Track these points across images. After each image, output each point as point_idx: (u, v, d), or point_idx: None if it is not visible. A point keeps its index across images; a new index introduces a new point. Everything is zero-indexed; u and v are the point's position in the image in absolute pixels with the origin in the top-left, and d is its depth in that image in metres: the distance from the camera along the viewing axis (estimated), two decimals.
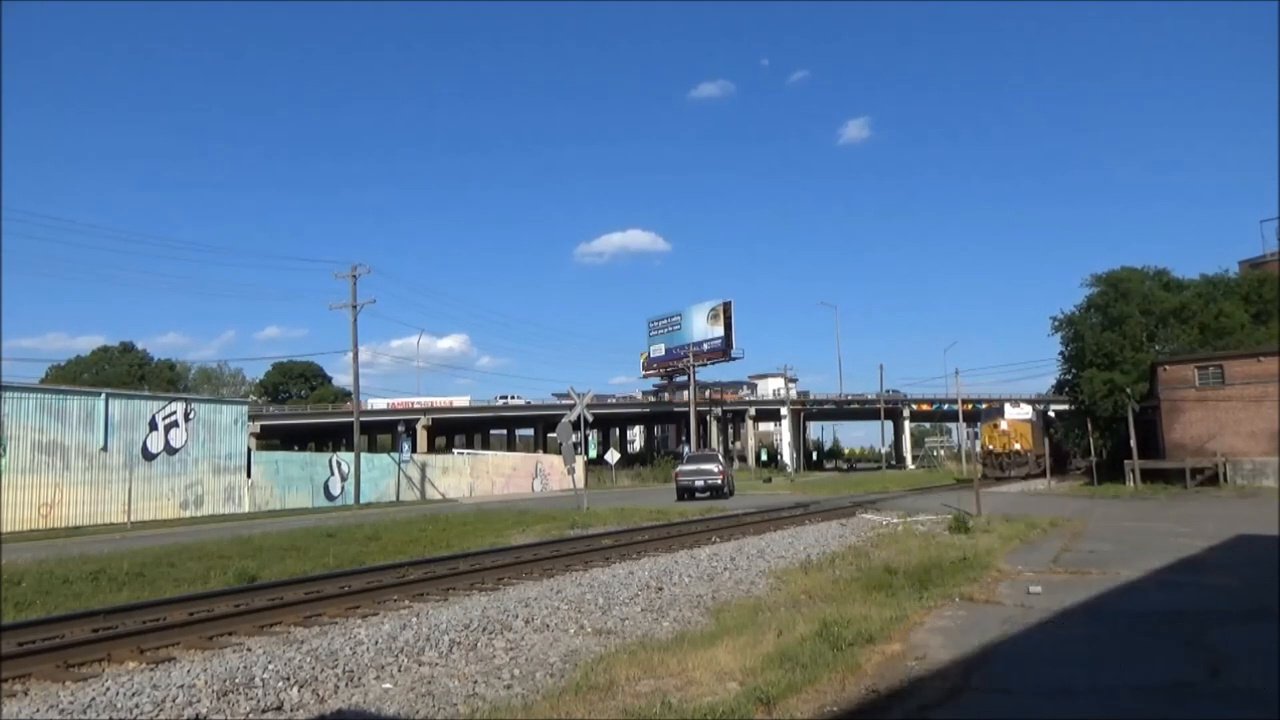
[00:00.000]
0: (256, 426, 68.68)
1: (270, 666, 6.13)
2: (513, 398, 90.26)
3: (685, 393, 78.34)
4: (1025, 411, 52.27)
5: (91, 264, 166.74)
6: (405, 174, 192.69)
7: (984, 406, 66.23)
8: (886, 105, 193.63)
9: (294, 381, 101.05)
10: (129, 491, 27.61)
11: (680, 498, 31.13)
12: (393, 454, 47.75)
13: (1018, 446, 47.10)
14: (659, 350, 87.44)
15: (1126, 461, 36.27)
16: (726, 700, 4.83)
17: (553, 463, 55.79)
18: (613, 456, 46.33)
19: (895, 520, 17.69)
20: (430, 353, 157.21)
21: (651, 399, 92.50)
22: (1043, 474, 45.53)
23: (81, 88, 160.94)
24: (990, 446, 49.08)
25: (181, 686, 5.65)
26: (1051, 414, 62.06)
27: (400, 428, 75.60)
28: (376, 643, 6.90)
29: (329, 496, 37.77)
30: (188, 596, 9.60)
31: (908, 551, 11.92)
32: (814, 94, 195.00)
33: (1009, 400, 56.98)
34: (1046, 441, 53.21)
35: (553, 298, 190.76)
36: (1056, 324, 47.43)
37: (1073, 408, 49.22)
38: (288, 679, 5.89)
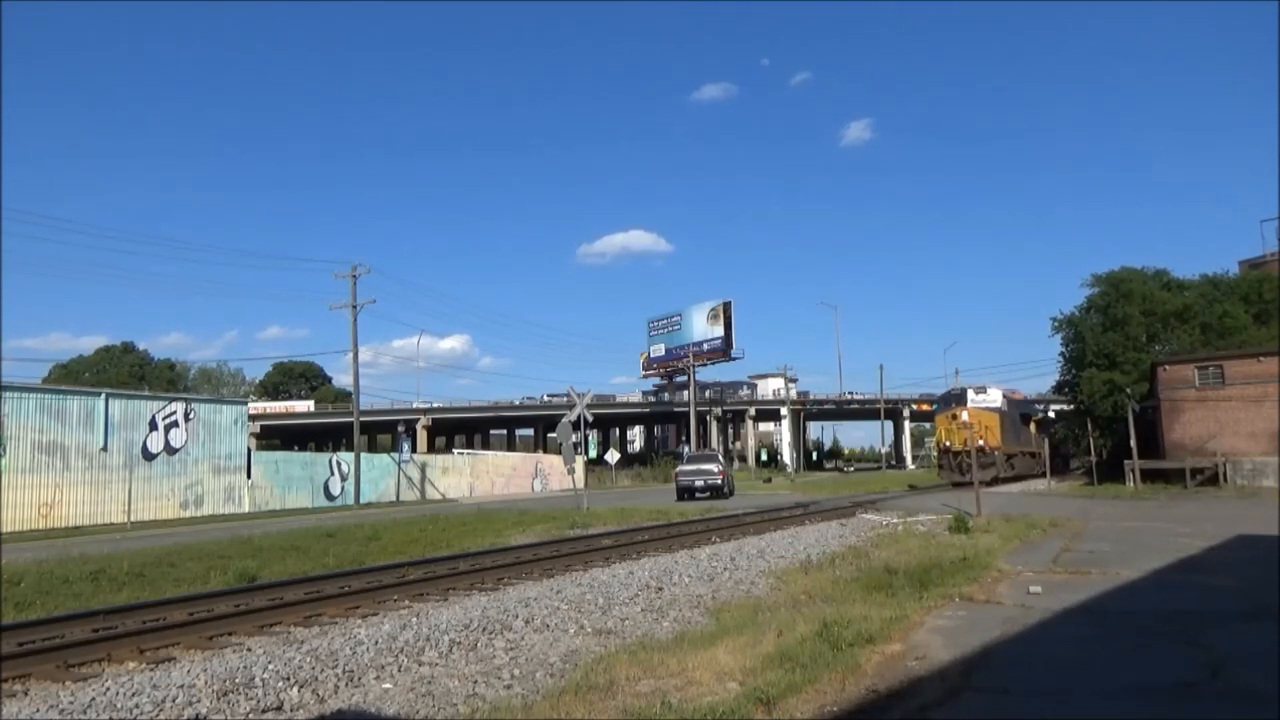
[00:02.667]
0: (256, 426, 68.67)
1: (270, 666, 6.13)
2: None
3: (685, 393, 78.34)
4: (993, 398, 41.39)
5: (94, 264, 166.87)
6: (410, 175, 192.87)
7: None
8: (889, 107, 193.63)
9: (294, 382, 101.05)
10: (129, 491, 27.61)
11: (680, 498, 31.13)
12: (393, 454, 47.74)
13: (982, 443, 37.00)
14: (659, 350, 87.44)
15: (1126, 461, 36.28)
16: (726, 700, 4.83)
17: (553, 463, 55.80)
18: (613, 456, 46.28)
19: (895, 520, 17.68)
20: (432, 353, 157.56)
21: (651, 399, 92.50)
22: (1014, 478, 39.50)
23: (82, 88, 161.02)
24: (947, 443, 39.25)
25: (181, 686, 5.65)
26: (1051, 414, 61.43)
27: (400, 428, 75.53)
28: (376, 643, 6.89)
29: (329, 496, 37.78)
30: (188, 596, 9.60)
31: (908, 551, 11.92)
32: (816, 96, 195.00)
33: (973, 387, 42.38)
34: (1045, 441, 47.85)
35: (554, 298, 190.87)
36: (1057, 324, 47.45)
37: (1073, 408, 49.13)
38: (288, 679, 5.89)
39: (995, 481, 36.50)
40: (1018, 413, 46.29)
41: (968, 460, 36.10)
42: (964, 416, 38.30)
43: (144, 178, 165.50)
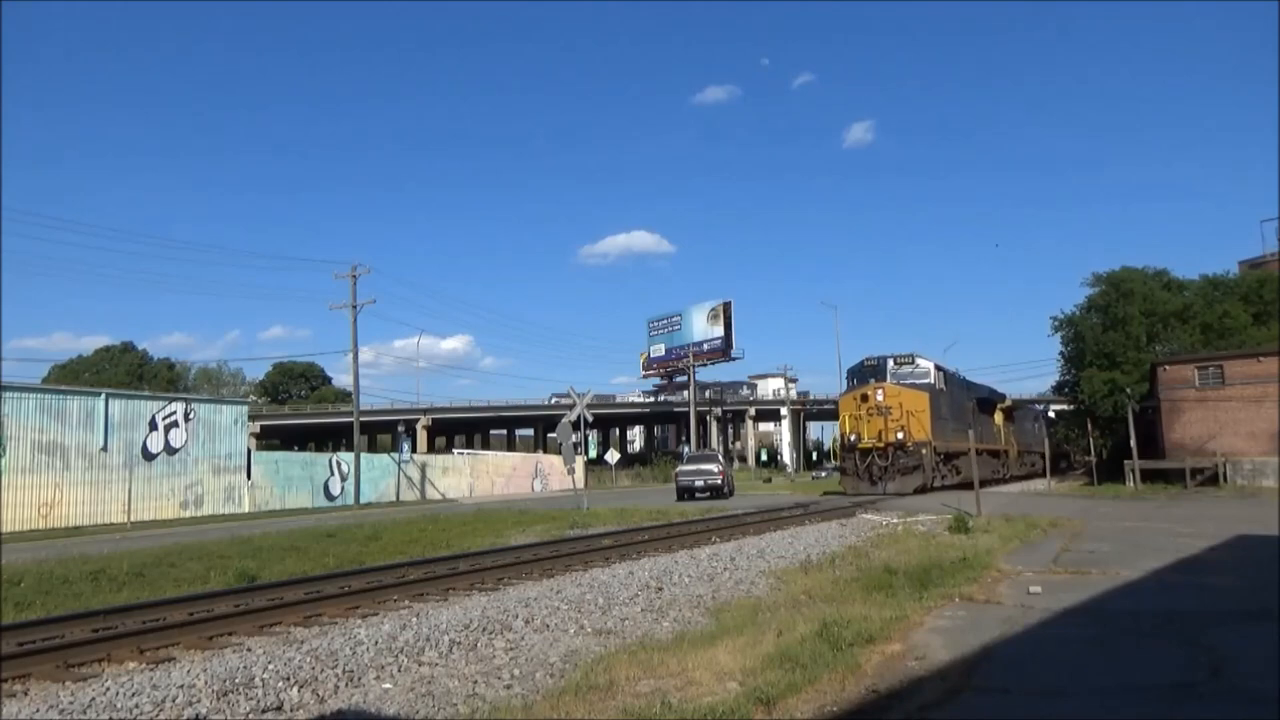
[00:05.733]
0: (256, 426, 68.69)
1: (270, 666, 6.13)
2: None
3: (685, 393, 78.35)
4: (922, 370, 28.63)
5: (96, 265, 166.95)
6: (414, 175, 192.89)
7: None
8: (891, 108, 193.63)
9: (294, 382, 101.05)
10: (129, 491, 27.62)
11: (680, 498, 31.13)
12: (393, 454, 47.77)
13: (901, 436, 26.07)
14: (659, 350, 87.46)
15: (1126, 461, 36.31)
16: (726, 700, 4.83)
17: (553, 463, 55.81)
18: (613, 456, 46.33)
19: (895, 520, 17.68)
20: (433, 353, 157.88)
21: (651, 399, 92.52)
22: (959, 486, 28.05)
23: (83, 88, 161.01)
24: (852, 436, 27.28)
25: (181, 686, 5.65)
26: (1052, 413, 61.22)
27: (400, 428, 75.58)
28: (376, 643, 6.89)
29: (329, 496, 37.79)
30: (188, 596, 9.60)
31: (908, 551, 11.91)
32: (819, 98, 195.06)
33: (895, 356, 28.96)
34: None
35: (556, 298, 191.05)
36: (1057, 324, 47.57)
37: (1073, 408, 49.08)
38: (288, 679, 5.89)
39: (922, 491, 26.09)
40: (970, 397, 34.24)
41: (881, 462, 26.16)
42: (879, 397, 26.85)
43: (146, 178, 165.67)
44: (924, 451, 26.37)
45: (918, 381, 28.10)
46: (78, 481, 27.06)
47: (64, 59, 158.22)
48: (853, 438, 27.16)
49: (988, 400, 37.10)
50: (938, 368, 29.53)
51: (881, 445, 26.35)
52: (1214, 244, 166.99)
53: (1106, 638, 6.41)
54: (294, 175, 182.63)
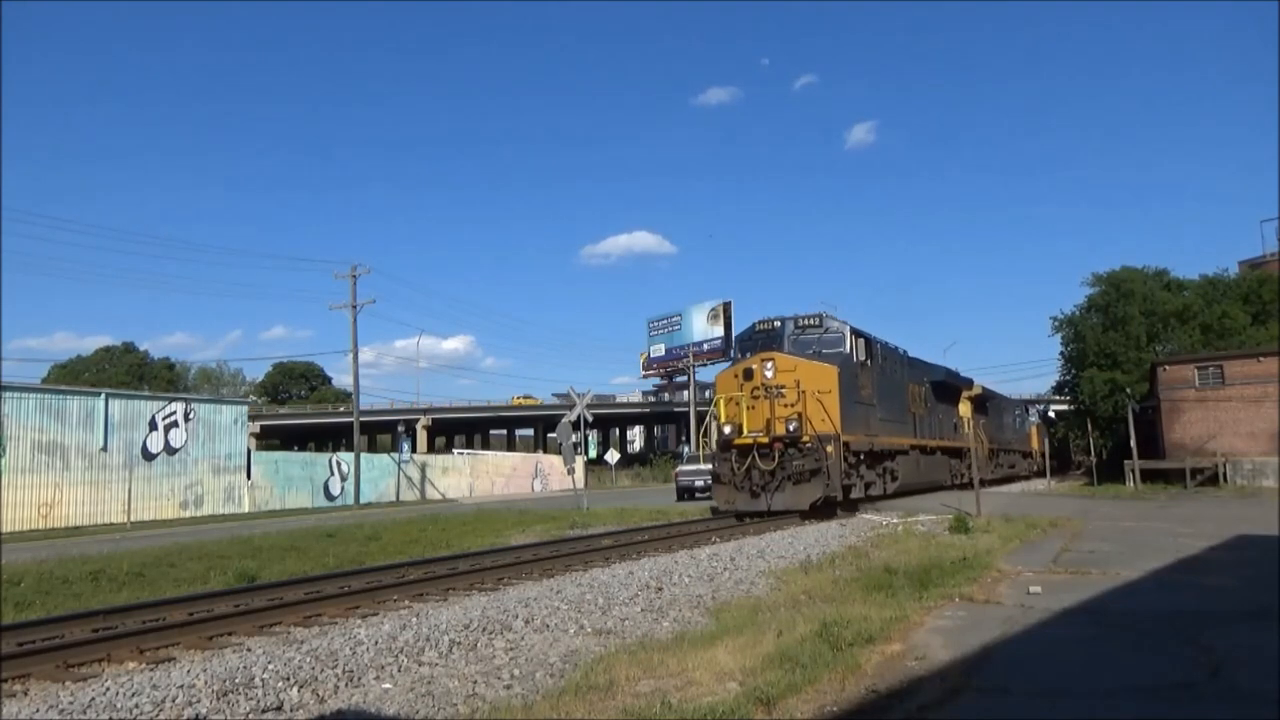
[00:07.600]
0: (256, 426, 68.68)
1: (270, 666, 6.13)
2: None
3: (685, 393, 78.33)
4: (834, 337, 20.02)
5: (98, 265, 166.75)
6: (414, 175, 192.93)
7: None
8: (893, 109, 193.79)
9: (294, 382, 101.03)
10: (129, 491, 27.63)
11: (680, 498, 31.12)
12: (393, 454, 47.76)
13: (795, 426, 17.79)
14: (659, 350, 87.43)
15: (1126, 461, 36.29)
16: (726, 700, 4.83)
17: (553, 463, 55.81)
18: (613, 456, 46.28)
19: (895, 520, 17.67)
20: (435, 353, 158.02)
21: (651, 399, 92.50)
22: (898, 494, 23.02)
23: (86, 88, 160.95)
24: (728, 428, 18.68)
25: (181, 686, 5.65)
26: (1051, 414, 61.13)
27: (400, 428, 75.55)
28: (376, 643, 6.89)
29: (329, 496, 37.80)
30: (188, 596, 9.61)
31: (907, 551, 11.91)
32: (821, 98, 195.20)
33: (797, 318, 20.05)
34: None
35: (556, 299, 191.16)
36: (1057, 324, 47.61)
37: (1073, 408, 49.06)
38: (288, 679, 5.89)
39: (828, 505, 18.70)
40: (918, 379, 25.71)
41: (765, 465, 17.89)
42: (768, 373, 18.61)
43: (146, 178, 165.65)
44: (828, 449, 18.03)
45: (826, 351, 19.76)
46: (78, 481, 27.06)
47: (64, 59, 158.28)
48: (728, 430, 18.66)
49: (946, 385, 28.42)
50: (856, 333, 20.78)
51: (767, 440, 18.16)
52: (1214, 244, 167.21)
53: (1106, 638, 6.41)
54: (294, 175, 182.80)
